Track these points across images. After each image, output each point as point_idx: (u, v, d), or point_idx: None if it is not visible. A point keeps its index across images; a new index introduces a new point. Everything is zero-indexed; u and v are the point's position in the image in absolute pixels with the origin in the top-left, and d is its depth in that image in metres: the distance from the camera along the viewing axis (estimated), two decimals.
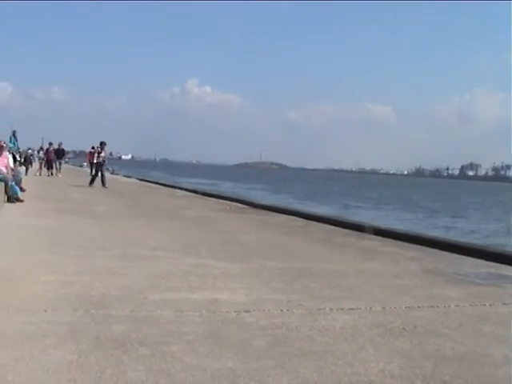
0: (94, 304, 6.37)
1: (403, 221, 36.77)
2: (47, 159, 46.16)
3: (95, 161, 32.95)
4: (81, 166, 67.86)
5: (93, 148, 52.88)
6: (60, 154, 47.32)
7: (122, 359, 4.68)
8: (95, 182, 31.55)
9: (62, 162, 48.34)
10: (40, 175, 43.53)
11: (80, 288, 7.13)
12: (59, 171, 45.94)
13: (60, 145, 48.40)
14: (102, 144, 32.85)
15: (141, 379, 4.29)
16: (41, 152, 50.07)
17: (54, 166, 46.09)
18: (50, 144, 47.66)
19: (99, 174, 31.89)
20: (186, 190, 32.87)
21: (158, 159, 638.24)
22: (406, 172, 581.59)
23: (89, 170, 52.95)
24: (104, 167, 32.27)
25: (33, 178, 35.69)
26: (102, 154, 32.37)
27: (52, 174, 44.96)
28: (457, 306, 7.22)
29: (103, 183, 30.94)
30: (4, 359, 4.54)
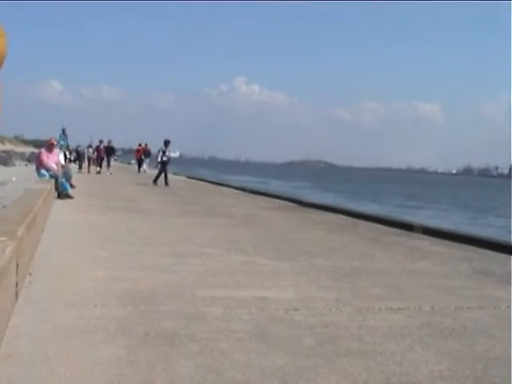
0: (143, 300, 6.42)
1: (452, 220, 36.40)
2: (97, 156, 46.01)
3: (159, 159, 32.39)
4: (129, 164, 68.30)
5: (139, 145, 53.36)
6: (110, 151, 46.69)
7: (171, 355, 4.71)
8: (148, 181, 31.52)
9: (112, 159, 47.25)
10: (89, 172, 43.41)
11: (129, 284, 7.19)
12: (109, 168, 45.31)
13: (110, 142, 47.83)
14: (167, 143, 32.33)
15: (189, 375, 4.32)
16: (90, 149, 49.82)
17: (103, 163, 45.69)
18: (101, 141, 47.35)
19: (161, 172, 31.47)
20: (234, 187, 32.89)
21: (206, 157, 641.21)
22: (454, 171, 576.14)
23: (136, 167, 53.35)
24: (168, 166, 31.83)
25: (83, 176, 36.00)
26: (167, 154, 31.98)
27: (100, 172, 44.10)
28: (507, 307, 7.12)
29: (166, 182, 30.68)
30: (56, 352, 4.60)
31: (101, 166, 45.06)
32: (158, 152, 32.74)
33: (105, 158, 46.07)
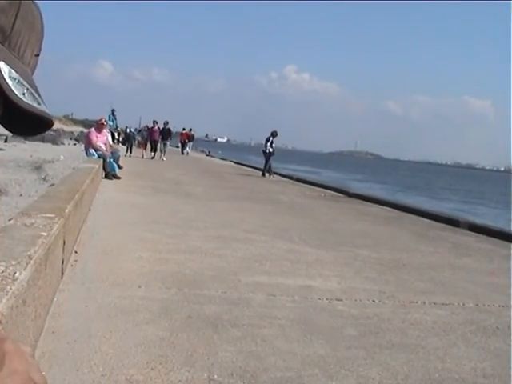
0: (187, 283, 6.44)
1: (499, 217, 35.95)
2: (151, 139, 40.36)
3: (266, 150, 31.05)
4: (176, 147, 68.56)
5: (183, 129, 54.19)
6: (166, 134, 40.65)
7: (213, 339, 4.72)
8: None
9: (167, 143, 41.32)
10: (143, 157, 38.32)
11: (174, 266, 7.22)
12: (163, 154, 39.53)
13: (166, 124, 41.64)
14: (274, 133, 31.25)
15: (231, 360, 4.32)
16: (144, 132, 45.05)
17: (158, 147, 39.78)
18: (155, 122, 40.80)
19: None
20: (281, 175, 32.80)
21: (252, 143, 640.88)
22: (502, 168, 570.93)
23: (180, 150, 54.43)
24: (272, 157, 31.17)
25: (133, 159, 35.31)
26: (273, 145, 31.34)
27: (154, 156, 39.06)
28: None
29: (269, 172, 30.49)
30: (99, 331, 4.64)
31: (155, 151, 39.75)
32: (266, 142, 31.64)
33: (161, 143, 40.13)
